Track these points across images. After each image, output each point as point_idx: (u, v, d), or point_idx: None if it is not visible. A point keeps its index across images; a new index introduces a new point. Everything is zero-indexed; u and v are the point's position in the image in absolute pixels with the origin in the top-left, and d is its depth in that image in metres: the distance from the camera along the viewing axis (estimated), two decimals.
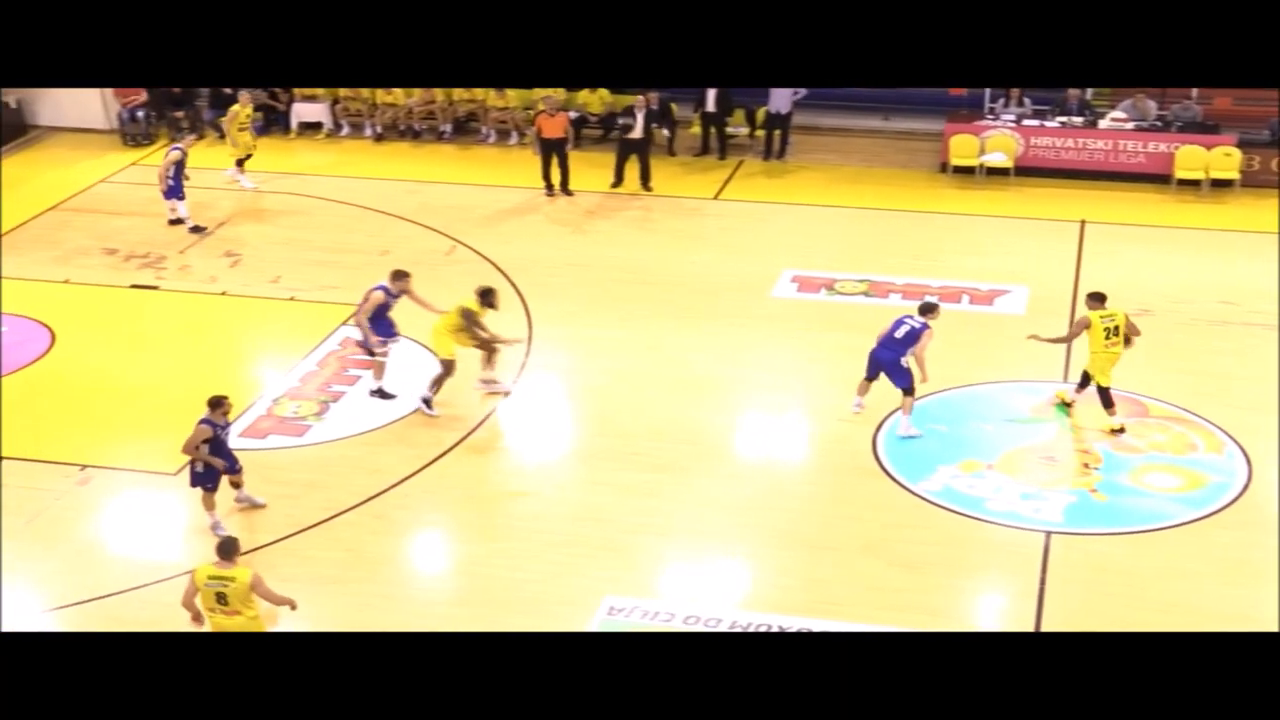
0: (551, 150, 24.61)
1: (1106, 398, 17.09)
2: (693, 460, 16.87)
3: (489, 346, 18.06)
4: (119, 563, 15.22)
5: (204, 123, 28.68)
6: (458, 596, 14.69)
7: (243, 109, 25.64)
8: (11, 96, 28.93)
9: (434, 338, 18.07)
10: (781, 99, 25.98)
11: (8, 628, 14.14)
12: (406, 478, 16.59)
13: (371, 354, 18.20)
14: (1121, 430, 17.12)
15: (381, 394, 18.22)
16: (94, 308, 21.12)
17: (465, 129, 28.32)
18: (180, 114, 28.53)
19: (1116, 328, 16.93)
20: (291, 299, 21.11)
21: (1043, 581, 14.53)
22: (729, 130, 26.76)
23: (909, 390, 17.03)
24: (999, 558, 15.04)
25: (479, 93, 28.09)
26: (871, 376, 17.29)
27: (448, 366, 17.86)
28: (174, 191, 23.46)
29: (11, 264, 22.29)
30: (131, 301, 21.31)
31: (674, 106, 26.85)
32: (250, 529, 15.59)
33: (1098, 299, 17.19)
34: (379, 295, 17.99)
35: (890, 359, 17.00)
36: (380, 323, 18.07)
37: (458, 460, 17.00)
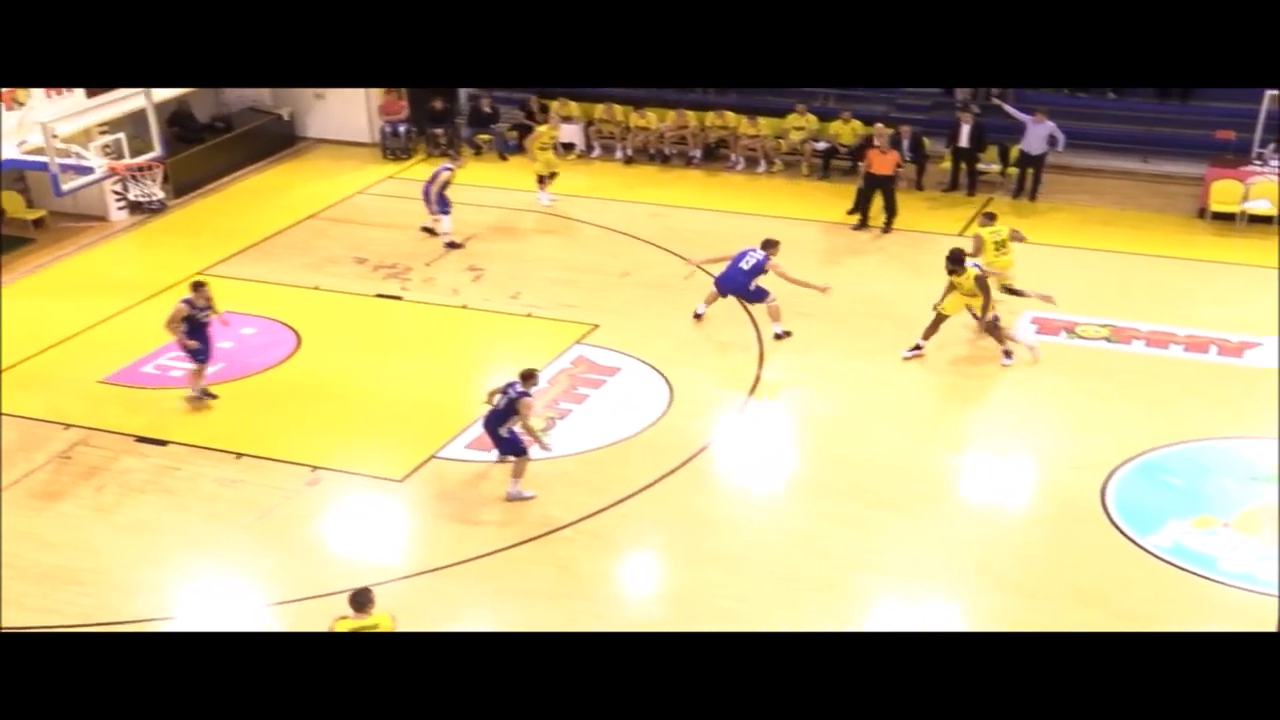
0: (876, 186, 24.54)
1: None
2: (915, 498, 16.58)
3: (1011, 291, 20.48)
4: (337, 563, 15.59)
5: (461, 140, 29.39)
6: (664, 620, 14.62)
7: (548, 130, 26.26)
8: (284, 109, 30.10)
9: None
10: (1036, 140, 25.42)
11: (233, 618, 14.65)
12: (626, 497, 16.64)
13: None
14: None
15: (784, 334, 20.45)
16: (339, 314, 21.77)
17: (714, 155, 28.41)
18: (439, 131, 29.24)
19: (1003, 241, 20.36)
20: (529, 315, 21.42)
21: None
22: (980, 166, 26.30)
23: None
24: (1228, 621, 14.35)
25: (730, 119, 28.20)
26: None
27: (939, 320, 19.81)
28: (442, 207, 24.04)
29: (266, 268, 23.14)
30: (375, 310, 21.90)
31: (926, 140, 26.56)
32: (469, 539, 15.85)
33: (989, 217, 20.79)
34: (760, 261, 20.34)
35: None
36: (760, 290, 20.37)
37: (679, 483, 16.99)
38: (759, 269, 20.20)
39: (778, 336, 20.27)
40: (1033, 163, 25.77)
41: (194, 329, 18.42)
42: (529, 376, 16.54)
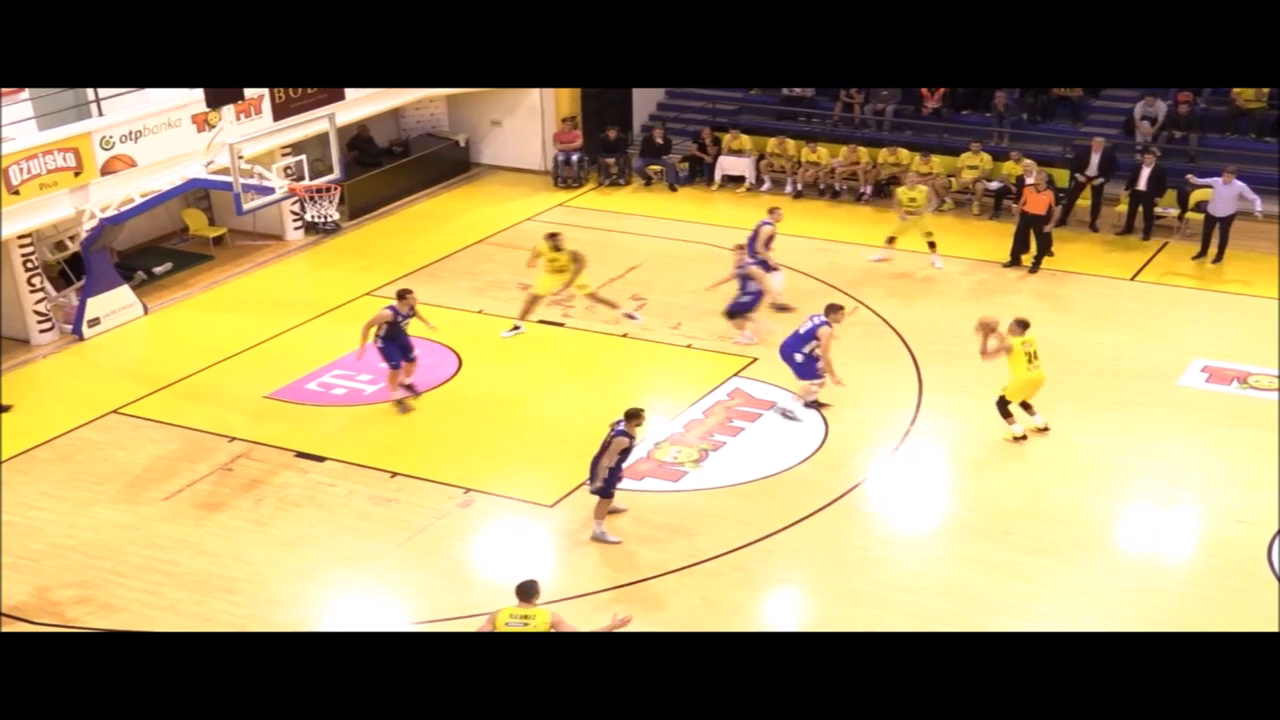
0: (1029, 225, 24.19)
1: (1006, 409, 18.28)
2: (1070, 546, 16.18)
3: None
4: (483, 586, 15.70)
5: (632, 170, 29.54)
6: None
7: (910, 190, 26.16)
8: (461, 135, 30.58)
9: None
10: (1225, 201, 24.02)
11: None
12: (773, 533, 16.52)
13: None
14: (1024, 437, 18.31)
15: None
16: (501, 340, 21.98)
17: (885, 192, 28.15)
18: (611, 160, 29.43)
19: (1035, 352, 18.07)
20: (688, 346, 21.43)
21: None
22: (1157, 211, 25.62)
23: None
24: None
25: (903, 156, 27.92)
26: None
27: None
28: (763, 267, 22.23)
29: (432, 291, 23.38)
30: (536, 336, 22.08)
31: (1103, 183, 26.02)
32: (614, 567, 15.88)
33: (1021, 325, 18.11)
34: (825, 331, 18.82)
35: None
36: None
37: (827, 520, 16.83)
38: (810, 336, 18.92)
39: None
40: (1218, 225, 24.32)
41: (392, 334, 19.17)
42: (632, 416, 16.19)
